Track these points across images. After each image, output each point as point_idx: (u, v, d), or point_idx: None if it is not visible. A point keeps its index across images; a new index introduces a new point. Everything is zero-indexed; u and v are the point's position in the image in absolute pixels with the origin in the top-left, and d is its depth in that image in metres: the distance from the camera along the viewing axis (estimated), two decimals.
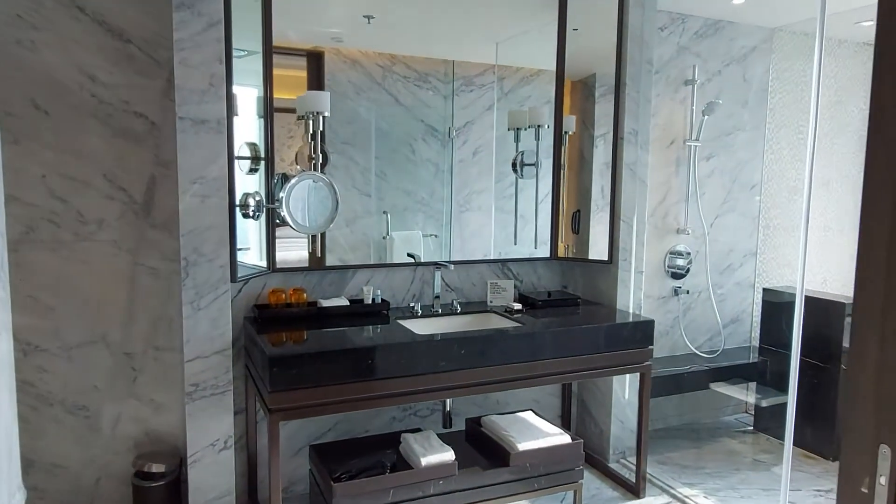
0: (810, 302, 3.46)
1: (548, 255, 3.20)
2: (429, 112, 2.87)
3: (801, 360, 3.53)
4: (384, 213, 2.86)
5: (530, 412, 2.95)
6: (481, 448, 2.71)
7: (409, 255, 2.92)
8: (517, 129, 3.11)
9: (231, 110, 2.32)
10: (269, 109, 2.49)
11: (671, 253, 3.59)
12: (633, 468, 2.96)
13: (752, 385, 3.64)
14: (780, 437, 3.54)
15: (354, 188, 2.79)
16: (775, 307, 3.61)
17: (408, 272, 2.93)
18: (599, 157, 3.09)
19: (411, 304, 2.85)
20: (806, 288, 3.18)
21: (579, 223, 3.19)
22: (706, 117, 3.46)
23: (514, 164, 3.12)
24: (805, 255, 2.27)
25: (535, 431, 2.69)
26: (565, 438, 2.66)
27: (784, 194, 3.91)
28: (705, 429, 3.70)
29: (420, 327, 2.63)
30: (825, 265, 4.10)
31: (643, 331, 2.73)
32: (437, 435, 2.60)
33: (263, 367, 2.16)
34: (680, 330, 3.64)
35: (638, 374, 2.83)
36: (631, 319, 2.78)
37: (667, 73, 3.44)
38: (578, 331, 2.60)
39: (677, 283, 3.62)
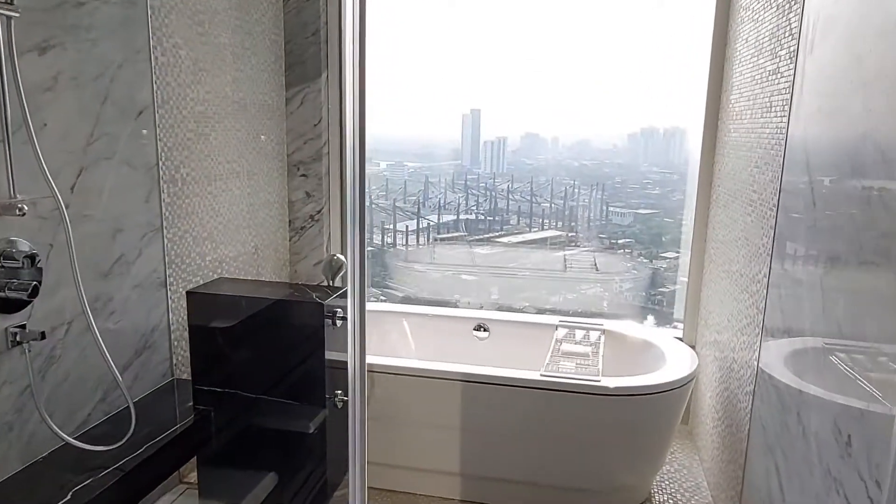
0: (281, 305, 2.11)
1: None
2: None
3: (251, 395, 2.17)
4: None
5: None
6: None
7: None
8: None
9: None
10: None
11: None
12: None
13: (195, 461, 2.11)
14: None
15: None
16: (211, 318, 2.12)
17: None
18: None
19: None
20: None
21: None
22: None
23: None
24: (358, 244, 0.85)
25: None
26: None
27: (190, 126, 2.38)
28: None
29: None
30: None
31: None
32: None
33: None
34: (38, 411, 1.73)
35: None
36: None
37: None
38: None
39: (15, 319, 1.67)
